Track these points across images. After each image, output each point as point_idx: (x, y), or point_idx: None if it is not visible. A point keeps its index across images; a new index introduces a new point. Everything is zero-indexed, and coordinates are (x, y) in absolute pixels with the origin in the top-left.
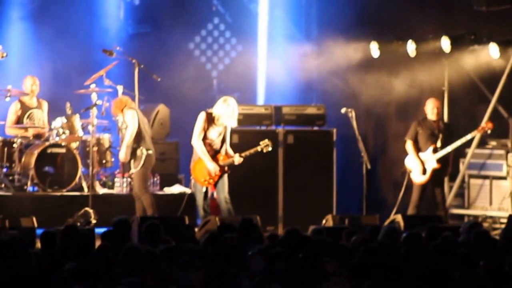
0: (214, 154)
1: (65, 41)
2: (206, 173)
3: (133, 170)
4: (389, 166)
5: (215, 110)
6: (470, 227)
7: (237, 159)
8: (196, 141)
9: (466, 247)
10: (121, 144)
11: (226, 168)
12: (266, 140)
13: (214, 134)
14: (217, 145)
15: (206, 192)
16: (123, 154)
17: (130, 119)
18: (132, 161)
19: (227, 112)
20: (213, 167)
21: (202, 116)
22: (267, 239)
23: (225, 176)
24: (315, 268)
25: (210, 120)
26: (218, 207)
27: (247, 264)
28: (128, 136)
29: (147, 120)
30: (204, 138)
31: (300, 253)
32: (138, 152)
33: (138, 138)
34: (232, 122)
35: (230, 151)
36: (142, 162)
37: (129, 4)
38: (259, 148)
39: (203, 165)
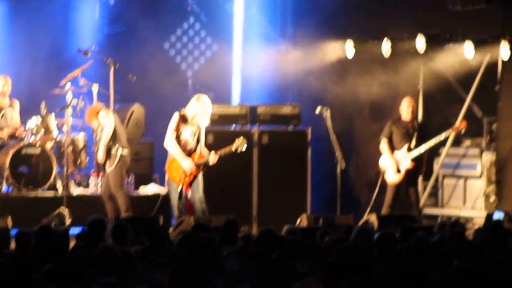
0: (188, 154)
1: (40, 41)
2: (181, 172)
3: (108, 169)
4: (363, 166)
5: (189, 109)
6: (444, 226)
7: (212, 158)
8: (169, 142)
9: (440, 247)
10: (96, 145)
11: (201, 167)
12: (241, 138)
13: (188, 134)
14: (191, 144)
15: (181, 192)
16: (101, 154)
17: (106, 120)
18: (107, 160)
19: (200, 110)
20: (188, 165)
21: (175, 117)
22: (241, 239)
23: (200, 176)
24: (289, 268)
25: (184, 120)
26: (193, 207)
27: (222, 265)
28: (105, 136)
29: (121, 121)
30: (178, 138)
31: (274, 253)
32: (113, 151)
33: (113, 137)
34: (205, 120)
35: (205, 151)
36: (117, 160)
37: (104, 4)
38: (233, 147)
39: (178, 165)
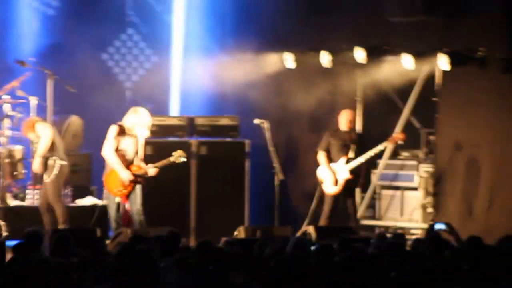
0: (127, 165)
1: None
2: (119, 184)
3: (46, 180)
4: (301, 177)
5: (126, 120)
6: (382, 237)
7: (151, 171)
8: (107, 152)
9: (377, 258)
10: (33, 155)
11: (139, 179)
12: (179, 151)
13: (126, 145)
14: (130, 155)
15: (118, 204)
16: (37, 164)
17: (42, 131)
18: (44, 171)
19: (137, 122)
20: (126, 176)
21: (113, 129)
22: (178, 251)
23: (138, 188)
24: (226, 280)
25: (122, 131)
26: (130, 219)
27: (160, 276)
28: (42, 147)
29: (58, 132)
30: (117, 149)
31: (212, 264)
32: (50, 162)
33: (51, 149)
34: (143, 132)
35: (142, 164)
36: (54, 171)
37: (43, 15)
38: (171, 159)
39: (116, 176)
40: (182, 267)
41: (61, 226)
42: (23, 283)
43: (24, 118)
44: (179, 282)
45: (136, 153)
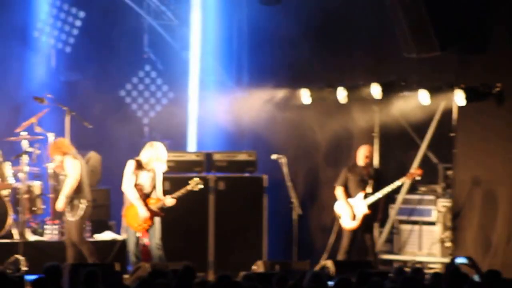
0: (145, 199)
1: None
2: (138, 219)
3: (70, 219)
4: (319, 212)
5: (143, 155)
6: (400, 272)
7: (169, 201)
8: (127, 187)
9: None
10: (56, 192)
11: (158, 211)
12: (196, 179)
13: (144, 179)
14: (147, 189)
15: (138, 238)
16: (61, 204)
17: (71, 169)
18: (68, 209)
19: (154, 156)
20: (144, 213)
21: (131, 164)
22: (197, 286)
23: (157, 222)
24: None
25: (139, 166)
26: (149, 253)
27: None
28: (68, 187)
29: (87, 169)
30: (135, 184)
31: None
32: (76, 202)
33: (77, 189)
34: (161, 166)
35: (161, 196)
36: (80, 213)
37: (60, 52)
38: (189, 188)
39: (136, 210)
40: None
41: (90, 261)
42: None
43: (43, 154)
44: None
45: (154, 187)
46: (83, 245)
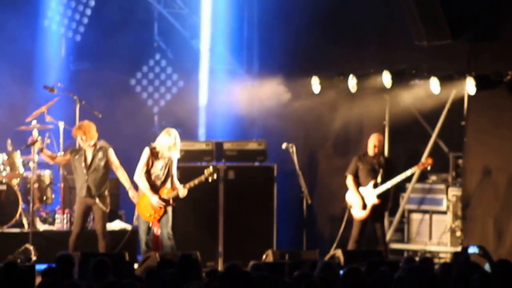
0: (160, 187)
1: (5, 78)
2: (151, 208)
3: (104, 209)
4: (329, 201)
5: (158, 142)
6: (410, 261)
7: (182, 192)
8: (139, 177)
9: (404, 282)
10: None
11: (171, 201)
12: (210, 168)
13: (159, 167)
14: (162, 178)
15: (149, 227)
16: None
17: (117, 160)
18: (102, 199)
19: (169, 143)
20: (156, 201)
21: (146, 152)
22: (206, 275)
23: (170, 212)
24: None
25: (154, 154)
26: (160, 243)
27: None
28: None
29: None
30: (150, 172)
31: None
32: (106, 193)
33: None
34: (175, 153)
35: (177, 183)
36: (108, 204)
37: (71, 41)
38: (203, 177)
39: (148, 200)
40: None
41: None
42: None
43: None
44: None
45: (168, 175)
46: (107, 237)
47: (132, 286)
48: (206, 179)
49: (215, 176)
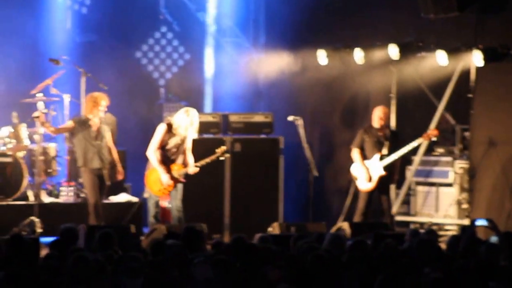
0: (170, 164)
1: (11, 50)
2: (160, 183)
3: (107, 180)
4: (335, 174)
5: (175, 120)
6: (415, 234)
7: (192, 170)
8: (151, 153)
9: (409, 254)
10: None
11: (181, 178)
12: (223, 147)
13: (173, 144)
14: (175, 155)
15: (158, 199)
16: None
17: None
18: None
19: (186, 123)
20: (166, 179)
21: (161, 128)
22: (212, 247)
23: (180, 185)
24: (260, 276)
25: (170, 130)
26: (168, 215)
27: (192, 272)
28: None
29: None
30: (164, 148)
31: (245, 261)
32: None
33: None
34: (192, 133)
35: (190, 161)
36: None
37: (76, 13)
38: (215, 156)
39: (158, 175)
40: (214, 263)
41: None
42: (58, 279)
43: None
44: (211, 278)
45: (182, 152)
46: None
47: (136, 259)
48: (218, 157)
49: (227, 155)
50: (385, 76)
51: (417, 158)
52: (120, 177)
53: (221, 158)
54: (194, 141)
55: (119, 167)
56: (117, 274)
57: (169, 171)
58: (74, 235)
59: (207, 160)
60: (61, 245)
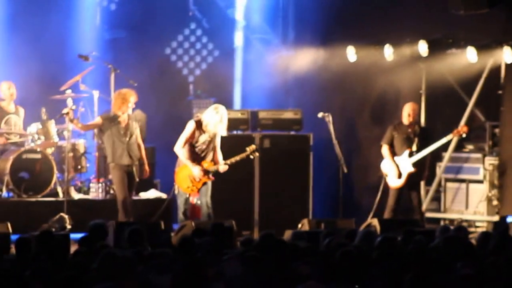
0: (200, 161)
1: (40, 46)
2: (189, 181)
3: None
4: (365, 170)
5: (204, 117)
6: (445, 230)
7: (222, 168)
8: (180, 148)
9: (439, 251)
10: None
11: (210, 175)
12: (253, 146)
13: (203, 141)
14: (205, 152)
15: (188, 196)
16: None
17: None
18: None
19: (215, 120)
20: (197, 171)
21: (191, 125)
22: (241, 244)
23: (209, 182)
24: (290, 272)
25: (199, 127)
26: (197, 212)
27: (222, 269)
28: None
29: None
30: (193, 145)
31: (275, 257)
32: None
33: None
34: (221, 130)
35: (220, 158)
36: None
37: (106, 10)
38: (245, 154)
39: (187, 172)
40: (244, 260)
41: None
42: (86, 275)
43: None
44: (241, 275)
45: (212, 149)
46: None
47: (165, 255)
48: (248, 156)
49: (257, 154)
50: (414, 72)
51: (447, 155)
52: (146, 175)
53: (251, 157)
54: (223, 138)
55: (146, 166)
56: (146, 271)
57: (200, 166)
58: (103, 231)
59: (237, 158)
60: (90, 242)
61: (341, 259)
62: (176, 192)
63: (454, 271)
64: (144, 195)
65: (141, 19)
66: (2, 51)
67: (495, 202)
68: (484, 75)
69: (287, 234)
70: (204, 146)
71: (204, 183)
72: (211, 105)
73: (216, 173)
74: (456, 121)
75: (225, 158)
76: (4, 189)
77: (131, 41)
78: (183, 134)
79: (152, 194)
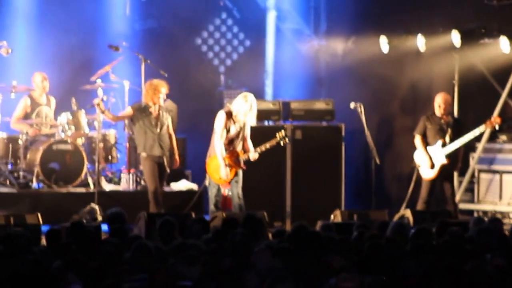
0: (231, 151)
1: (71, 37)
2: (220, 172)
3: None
4: (397, 161)
5: (234, 106)
6: (480, 222)
7: (253, 156)
8: (218, 142)
9: (474, 242)
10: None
11: (242, 164)
12: (282, 132)
13: (233, 131)
14: (235, 141)
15: (219, 187)
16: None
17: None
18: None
19: (245, 109)
20: (225, 174)
21: (222, 116)
22: (274, 235)
23: (240, 173)
24: (323, 264)
25: (229, 117)
26: (229, 203)
27: (254, 260)
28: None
29: None
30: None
31: (308, 248)
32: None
33: None
34: (251, 119)
35: (250, 146)
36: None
37: (136, 0)
38: (275, 141)
39: (219, 163)
40: (275, 251)
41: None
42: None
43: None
44: (273, 266)
45: (241, 139)
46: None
47: (195, 246)
48: (278, 143)
49: (287, 140)
50: (447, 62)
51: (480, 145)
52: (176, 166)
53: (281, 144)
54: (255, 128)
55: (176, 156)
56: (176, 262)
57: (231, 155)
58: (122, 219)
59: (267, 145)
60: (125, 232)
61: (371, 251)
62: (207, 183)
63: (486, 261)
64: (175, 185)
65: (172, 9)
66: (33, 41)
67: None
68: None
69: (319, 225)
70: (235, 136)
71: (236, 174)
72: (240, 94)
73: (248, 162)
74: (489, 111)
75: (255, 147)
76: (34, 180)
77: (162, 32)
78: (217, 125)
79: (183, 184)
